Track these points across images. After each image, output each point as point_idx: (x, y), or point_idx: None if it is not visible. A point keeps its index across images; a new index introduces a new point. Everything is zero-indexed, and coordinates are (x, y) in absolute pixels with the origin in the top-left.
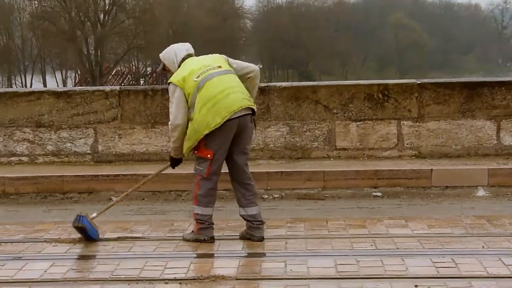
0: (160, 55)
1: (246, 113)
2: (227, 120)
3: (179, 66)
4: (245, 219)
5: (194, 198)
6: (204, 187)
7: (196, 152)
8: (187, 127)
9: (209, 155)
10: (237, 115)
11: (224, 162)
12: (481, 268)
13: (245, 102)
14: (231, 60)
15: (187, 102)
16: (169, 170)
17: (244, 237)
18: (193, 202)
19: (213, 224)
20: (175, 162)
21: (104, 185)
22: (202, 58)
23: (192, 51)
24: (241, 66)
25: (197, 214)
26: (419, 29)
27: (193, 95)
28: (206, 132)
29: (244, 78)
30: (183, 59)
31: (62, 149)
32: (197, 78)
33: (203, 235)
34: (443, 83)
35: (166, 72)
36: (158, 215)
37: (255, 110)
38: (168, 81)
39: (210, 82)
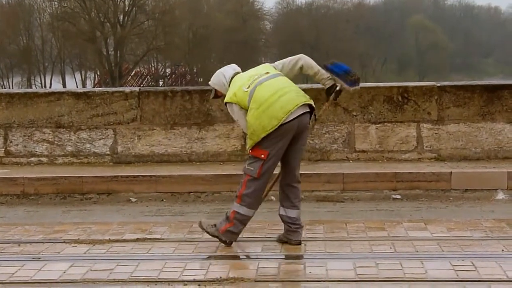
0: (210, 82)
1: (304, 111)
2: (285, 123)
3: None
4: (283, 221)
5: (238, 197)
6: (252, 187)
7: (250, 150)
8: None
9: (263, 155)
10: (295, 116)
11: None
12: (501, 271)
13: (300, 99)
14: (275, 64)
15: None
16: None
17: (281, 240)
18: (235, 200)
19: (244, 227)
20: None
21: (124, 186)
22: (249, 70)
23: (239, 69)
24: (285, 63)
25: (237, 213)
26: (439, 31)
27: (248, 103)
28: (263, 135)
29: (295, 71)
30: (232, 78)
31: (82, 150)
32: (247, 88)
33: (228, 237)
34: (463, 86)
35: (219, 99)
36: (177, 217)
37: (313, 105)
38: (224, 102)
39: (260, 86)
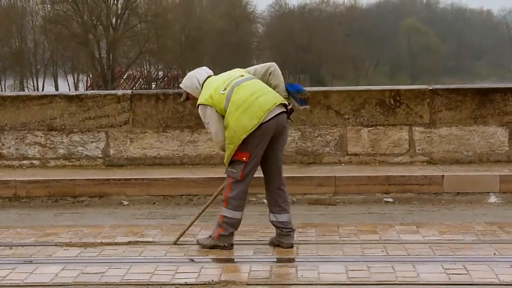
0: (181, 85)
1: (281, 111)
2: (264, 122)
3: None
4: (274, 226)
5: (224, 201)
6: (236, 190)
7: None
8: None
9: (244, 158)
10: (273, 114)
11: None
12: (493, 275)
13: (277, 99)
14: (247, 69)
15: (222, 117)
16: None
17: (273, 243)
18: (222, 204)
19: (235, 230)
20: None
21: (116, 189)
22: (222, 74)
23: (211, 72)
24: (257, 68)
25: (225, 217)
26: (431, 34)
27: (225, 106)
28: (244, 136)
29: (266, 77)
30: (204, 81)
31: (74, 153)
32: (224, 91)
33: (223, 241)
34: (455, 89)
35: (189, 101)
36: (169, 220)
37: (288, 107)
38: (197, 104)
39: (238, 88)
